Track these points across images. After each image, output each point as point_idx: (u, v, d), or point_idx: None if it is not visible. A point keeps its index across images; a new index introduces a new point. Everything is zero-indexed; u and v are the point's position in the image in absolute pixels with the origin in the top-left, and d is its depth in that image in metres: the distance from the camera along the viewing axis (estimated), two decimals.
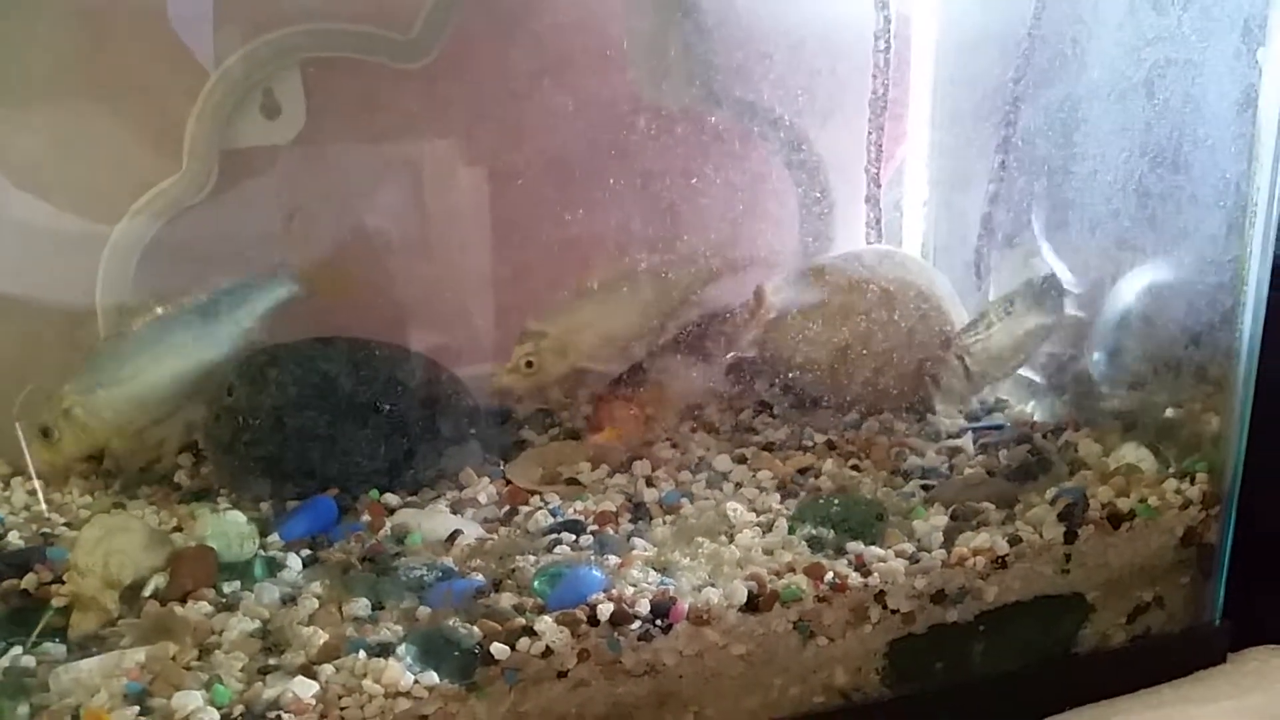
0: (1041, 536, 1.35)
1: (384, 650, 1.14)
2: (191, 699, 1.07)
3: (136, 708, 1.07)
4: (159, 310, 1.50)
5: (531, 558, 1.31)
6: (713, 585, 1.25)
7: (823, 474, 1.52)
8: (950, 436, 1.63)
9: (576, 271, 1.65)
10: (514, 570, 1.28)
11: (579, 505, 1.45)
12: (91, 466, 1.57)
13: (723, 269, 1.68)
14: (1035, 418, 1.69)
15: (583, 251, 1.65)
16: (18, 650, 1.17)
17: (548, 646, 1.16)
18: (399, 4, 1.59)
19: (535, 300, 1.66)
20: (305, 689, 1.09)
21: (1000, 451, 1.55)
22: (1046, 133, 1.64)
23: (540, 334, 1.62)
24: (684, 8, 1.62)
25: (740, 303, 1.67)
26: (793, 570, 1.28)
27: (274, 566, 1.32)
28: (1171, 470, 1.47)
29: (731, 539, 1.35)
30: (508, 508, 1.46)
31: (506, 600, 1.22)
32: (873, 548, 1.32)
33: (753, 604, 1.23)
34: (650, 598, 1.21)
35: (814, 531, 1.35)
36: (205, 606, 1.23)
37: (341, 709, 1.09)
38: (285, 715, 1.07)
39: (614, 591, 1.22)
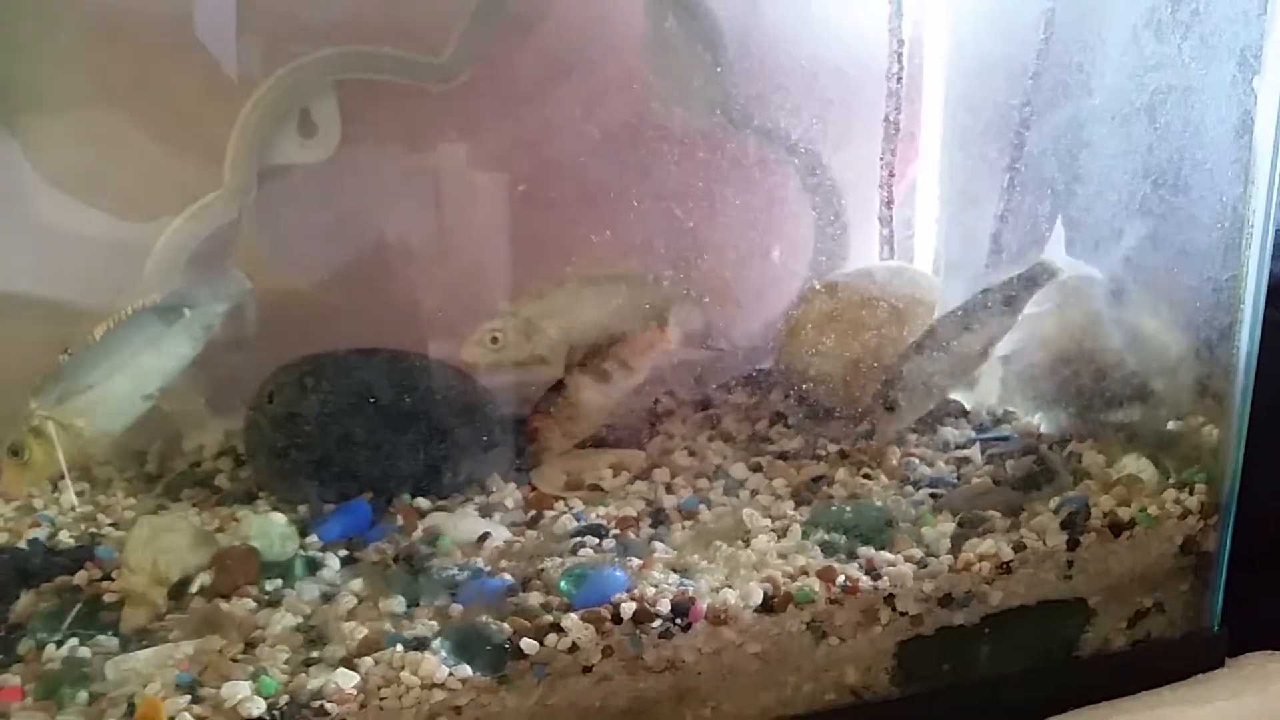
0: (1045, 543, 1.39)
1: (420, 644, 1.19)
2: (240, 689, 1.12)
3: (188, 696, 1.12)
4: (122, 314, 1.48)
5: (557, 559, 1.35)
6: (730, 587, 1.29)
7: (835, 482, 1.56)
8: (959, 447, 1.67)
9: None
10: (541, 571, 1.32)
11: (601, 510, 1.50)
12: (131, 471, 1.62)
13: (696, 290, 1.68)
14: (1042, 429, 1.72)
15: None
16: (74, 641, 1.22)
17: (574, 643, 1.20)
18: (431, 28, 1.65)
19: None
20: (347, 680, 1.14)
21: (1007, 462, 1.59)
22: (1052, 154, 1.69)
23: (510, 314, 1.61)
24: (706, 42, 1.66)
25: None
26: (806, 573, 1.32)
27: (313, 566, 1.37)
28: (1171, 481, 1.50)
29: (748, 543, 1.40)
30: (533, 512, 1.50)
31: (534, 599, 1.27)
32: (883, 553, 1.36)
33: (768, 605, 1.28)
34: (670, 598, 1.26)
35: (826, 537, 1.39)
36: (249, 603, 1.29)
37: (380, 699, 1.14)
38: (328, 704, 1.12)
39: (636, 591, 1.27)
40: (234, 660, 1.19)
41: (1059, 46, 1.69)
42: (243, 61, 1.57)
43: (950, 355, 1.59)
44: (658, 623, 1.24)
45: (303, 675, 1.16)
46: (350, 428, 1.50)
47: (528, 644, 1.19)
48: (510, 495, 1.55)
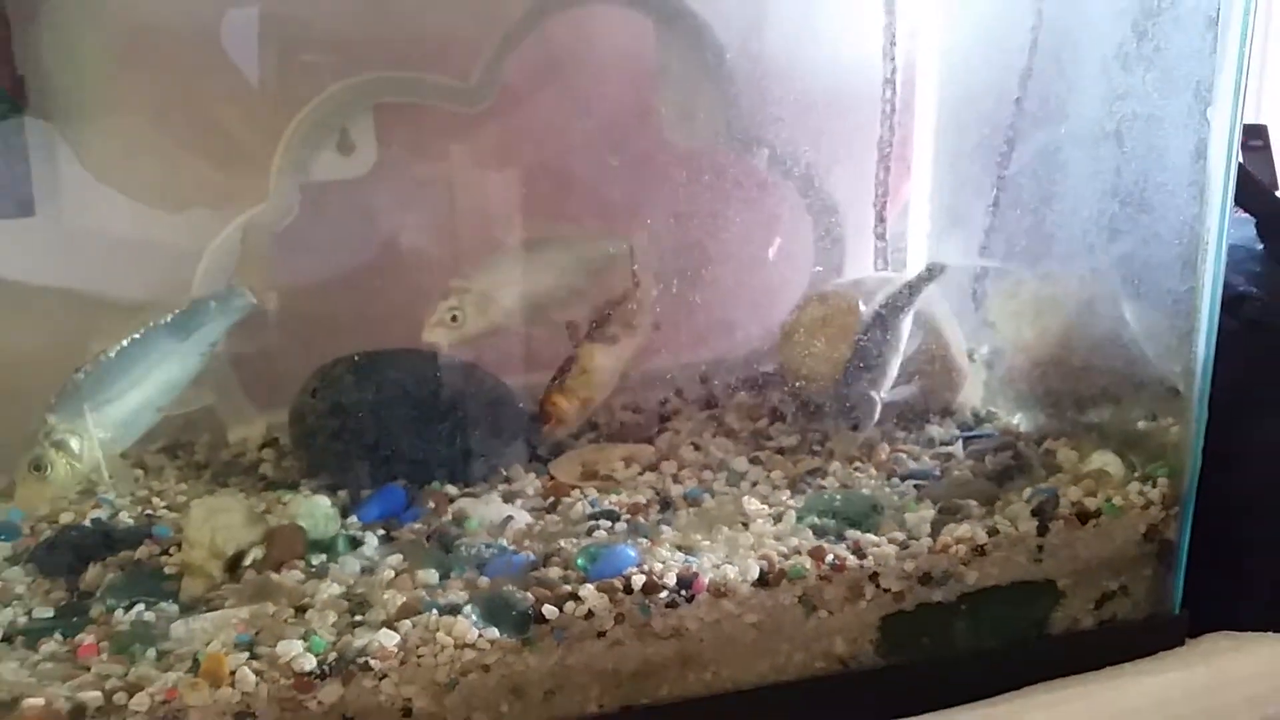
0: (1017, 529, 1.48)
1: (453, 610, 1.30)
2: (293, 646, 1.23)
3: (246, 654, 1.24)
4: (135, 335, 1.52)
5: (574, 540, 1.46)
6: (729, 564, 1.38)
7: (829, 475, 1.66)
8: (944, 444, 1.77)
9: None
10: (559, 549, 1.43)
11: (614, 498, 1.59)
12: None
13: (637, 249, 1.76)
14: (1021, 428, 1.82)
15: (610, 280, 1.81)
16: (141, 607, 1.34)
17: (590, 610, 1.31)
18: (461, 55, 1.77)
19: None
20: (389, 639, 1.25)
21: (986, 457, 1.69)
22: (1030, 174, 1.82)
23: (464, 289, 1.62)
24: (710, 73, 1.78)
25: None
26: (798, 552, 1.41)
27: (355, 543, 1.47)
28: (1136, 474, 1.60)
29: (746, 526, 1.49)
30: (552, 499, 1.60)
31: (554, 572, 1.37)
32: (868, 535, 1.46)
33: (763, 580, 1.36)
34: (676, 572, 1.35)
35: (818, 520, 1.49)
36: (297, 575, 1.39)
37: (419, 656, 1.25)
38: (372, 661, 1.23)
39: (645, 566, 1.37)
40: (286, 623, 1.29)
41: (1040, 75, 1.81)
42: (288, 83, 1.69)
43: (880, 364, 1.70)
44: (664, 594, 1.33)
45: (348, 636, 1.26)
46: (386, 421, 1.61)
47: (549, 610, 1.30)
48: (531, 484, 1.65)
